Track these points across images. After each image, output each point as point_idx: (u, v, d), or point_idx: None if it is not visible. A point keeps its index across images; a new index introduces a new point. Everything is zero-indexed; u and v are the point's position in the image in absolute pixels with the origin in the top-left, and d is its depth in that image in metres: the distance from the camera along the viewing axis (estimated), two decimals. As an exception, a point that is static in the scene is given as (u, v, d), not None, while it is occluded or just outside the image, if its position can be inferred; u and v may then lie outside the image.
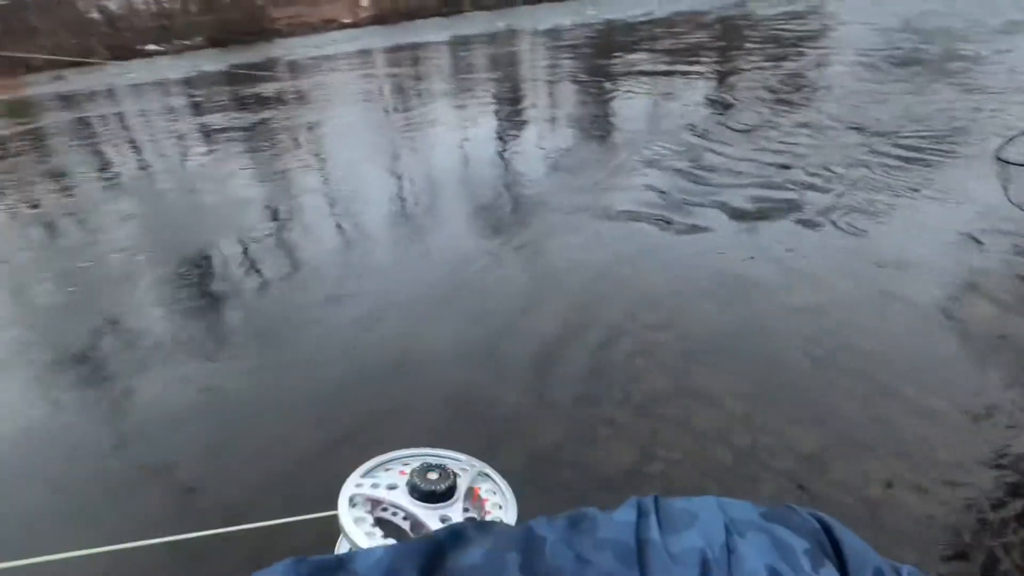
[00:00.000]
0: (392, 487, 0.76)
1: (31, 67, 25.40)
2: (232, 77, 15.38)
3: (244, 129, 8.08)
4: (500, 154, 5.46)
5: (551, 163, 4.98)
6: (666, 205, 3.80)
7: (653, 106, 6.58)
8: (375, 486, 0.76)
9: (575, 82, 8.77)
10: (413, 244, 3.69)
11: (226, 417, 2.30)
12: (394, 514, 0.76)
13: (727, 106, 6.04)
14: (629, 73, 8.59)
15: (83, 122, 10.75)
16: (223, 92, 12.79)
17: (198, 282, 3.54)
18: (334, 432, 2.13)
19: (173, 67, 20.26)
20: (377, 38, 21.77)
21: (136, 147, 8.20)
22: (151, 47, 29.63)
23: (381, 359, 2.56)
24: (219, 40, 29.93)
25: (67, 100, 14.52)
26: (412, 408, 2.24)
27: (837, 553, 0.36)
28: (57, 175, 6.84)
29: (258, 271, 3.61)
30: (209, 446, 2.16)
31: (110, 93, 15.08)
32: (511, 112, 7.30)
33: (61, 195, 5.95)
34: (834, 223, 3.29)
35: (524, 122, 6.70)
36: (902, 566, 0.37)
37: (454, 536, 0.38)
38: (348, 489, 0.76)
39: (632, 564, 0.34)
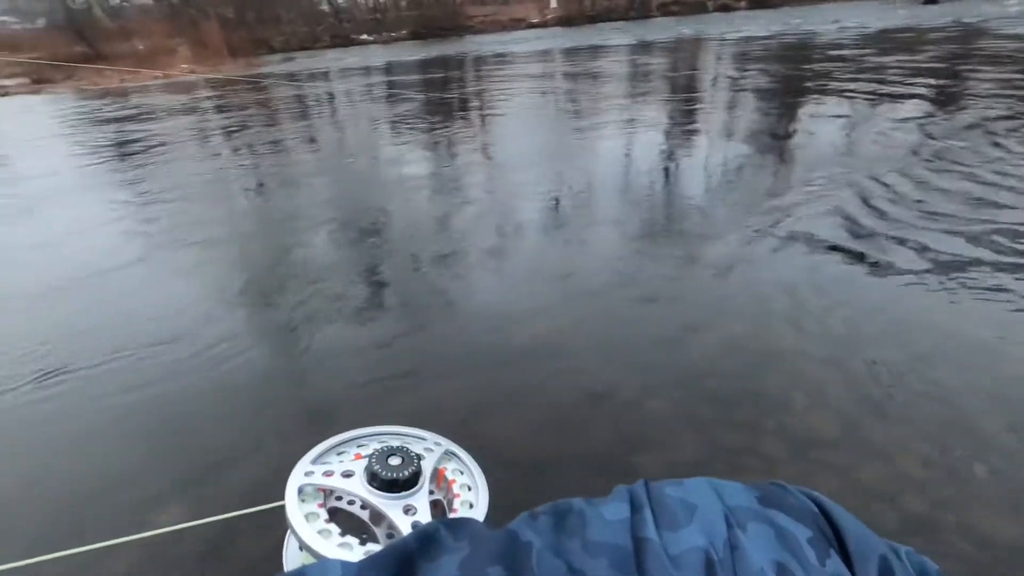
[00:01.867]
0: (348, 474, 0.66)
1: (272, 48, 30.25)
2: (425, 65, 16.84)
3: (423, 117, 8.79)
4: (669, 165, 5.28)
5: (724, 180, 4.70)
6: (856, 236, 3.36)
7: (852, 127, 5.88)
8: (328, 474, 0.66)
9: (760, 95, 8.16)
10: (578, 247, 3.63)
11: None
12: (350, 503, 0.68)
13: (942, 134, 5.18)
14: (826, 90, 7.77)
15: (299, 97, 12.54)
16: (415, 79, 14.04)
17: (377, 242, 3.95)
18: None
19: (379, 55, 22.72)
20: (560, 39, 22.31)
21: (334, 120, 9.36)
22: (364, 37, 33.55)
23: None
24: (420, 34, 32.92)
25: (290, 77, 17.03)
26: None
27: (838, 539, 0.34)
28: (275, 140, 8.06)
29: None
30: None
31: (325, 74, 17.36)
32: (686, 122, 7.02)
33: (272, 155, 7.00)
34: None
35: (699, 133, 6.40)
36: (900, 547, 0.36)
37: (425, 542, 0.34)
38: (297, 478, 0.66)
39: (630, 572, 0.31)
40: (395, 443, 0.70)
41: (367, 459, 0.66)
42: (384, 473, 0.63)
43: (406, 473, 0.64)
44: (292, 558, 0.70)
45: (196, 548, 1.63)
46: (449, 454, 0.74)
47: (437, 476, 0.69)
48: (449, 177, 5.41)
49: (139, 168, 6.73)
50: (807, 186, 4.25)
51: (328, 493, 0.66)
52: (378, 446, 0.70)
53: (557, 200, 4.46)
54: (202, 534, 1.58)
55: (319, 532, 0.59)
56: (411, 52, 22.65)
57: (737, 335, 2.51)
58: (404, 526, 0.61)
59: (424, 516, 0.62)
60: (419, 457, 0.67)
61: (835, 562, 0.33)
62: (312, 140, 7.78)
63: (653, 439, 1.96)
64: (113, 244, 4.29)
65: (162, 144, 8.10)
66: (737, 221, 3.74)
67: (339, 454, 0.72)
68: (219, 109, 11.55)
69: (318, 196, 5.30)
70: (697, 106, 7.91)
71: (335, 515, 0.64)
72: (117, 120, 10.96)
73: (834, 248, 3.24)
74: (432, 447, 0.73)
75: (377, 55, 22.77)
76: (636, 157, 5.59)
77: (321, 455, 0.71)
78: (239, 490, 1.83)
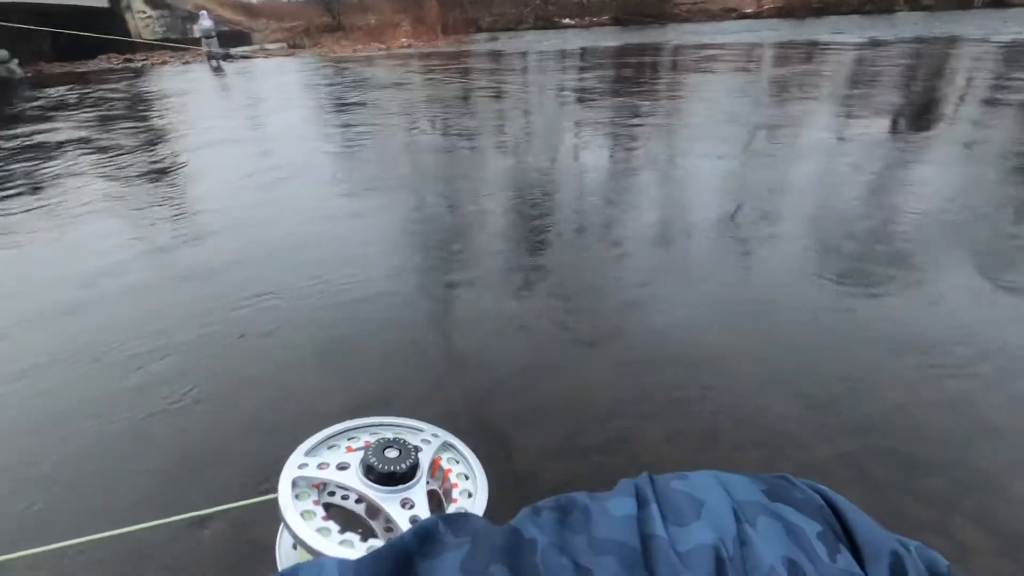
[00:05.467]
0: (343, 467, 0.64)
1: (480, 28, 32.17)
2: (622, 51, 16.56)
3: (608, 107, 8.64)
4: (880, 181, 4.54)
5: (949, 208, 3.91)
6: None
7: None
8: (322, 466, 0.64)
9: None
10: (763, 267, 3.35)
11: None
12: (344, 497, 0.66)
13: None
14: None
15: (496, 70, 13.16)
16: (607, 64, 13.89)
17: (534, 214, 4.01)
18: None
19: (577, 39, 22.90)
20: (775, 31, 20.32)
21: (523, 95, 9.64)
22: (567, 20, 34.04)
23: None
24: (621, 20, 32.44)
25: (493, 55, 17.93)
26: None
27: (847, 533, 0.33)
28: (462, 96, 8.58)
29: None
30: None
31: (523, 55, 17.98)
32: (910, 137, 5.97)
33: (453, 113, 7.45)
34: None
35: (927, 148, 5.39)
36: (910, 542, 0.34)
37: (423, 539, 0.32)
38: (290, 471, 0.64)
39: (639, 570, 0.29)
40: (392, 435, 0.69)
41: (363, 451, 0.64)
42: (381, 466, 0.61)
43: (403, 466, 0.62)
44: (286, 555, 0.68)
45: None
46: (447, 446, 0.72)
47: (434, 468, 0.68)
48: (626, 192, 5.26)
49: (349, 118, 7.66)
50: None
51: (322, 487, 0.65)
52: (374, 438, 0.68)
53: (739, 215, 4.09)
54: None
55: (318, 530, 0.57)
56: (609, 38, 22.42)
57: (952, 393, 2.06)
58: (402, 520, 0.59)
59: (422, 510, 0.60)
60: (416, 449, 0.65)
61: (846, 557, 0.31)
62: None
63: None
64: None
65: (364, 105, 9.09)
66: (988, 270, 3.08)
67: (331, 447, 0.70)
68: (425, 81, 12.60)
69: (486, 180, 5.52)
70: (930, 125, 6.66)
71: (329, 511, 0.62)
72: (342, 78, 12.58)
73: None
74: (430, 439, 0.71)
75: (574, 39, 22.96)
76: (847, 183, 4.89)
77: (315, 447, 0.69)
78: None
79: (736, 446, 1.83)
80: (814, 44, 15.70)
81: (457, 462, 0.70)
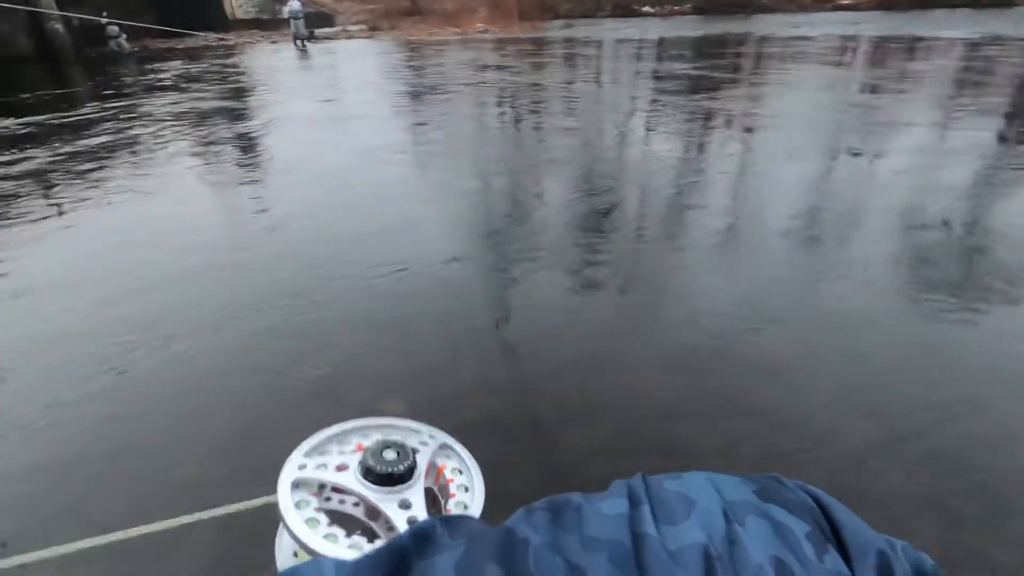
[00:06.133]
0: (342, 468, 0.65)
1: (557, 15, 31.79)
2: (701, 42, 15.96)
3: (678, 93, 8.37)
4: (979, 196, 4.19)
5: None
6: None
7: None
8: (321, 467, 0.65)
9: None
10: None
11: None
12: (341, 502, 0.66)
13: None
14: None
15: (569, 55, 13.01)
16: (684, 56, 13.42)
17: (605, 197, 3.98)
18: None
19: (657, 28, 22.22)
20: (872, 24, 18.93)
21: (581, 83, 9.49)
22: (646, 9, 33.06)
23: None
24: (703, 8, 31.16)
25: (567, 41, 17.72)
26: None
27: (835, 533, 0.34)
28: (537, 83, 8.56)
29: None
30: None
31: (598, 42, 17.66)
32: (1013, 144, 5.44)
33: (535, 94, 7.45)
34: None
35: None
36: (897, 542, 0.35)
37: (420, 540, 0.33)
38: (290, 472, 0.64)
39: (630, 568, 0.30)
40: (391, 436, 0.69)
41: (362, 452, 0.65)
42: (379, 467, 0.62)
43: (401, 467, 0.62)
44: (285, 556, 0.67)
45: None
46: (444, 447, 0.72)
47: (436, 473, 0.68)
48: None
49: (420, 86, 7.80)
50: None
51: (320, 493, 0.65)
52: (370, 440, 0.69)
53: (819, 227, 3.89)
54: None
55: (325, 537, 0.57)
56: (690, 27, 21.62)
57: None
58: (400, 521, 0.59)
59: (420, 510, 0.61)
60: (414, 451, 0.66)
61: (833, 557, 0.32)
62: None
63: (879, 514, 1.63)
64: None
65: (441, 83, 9.22)
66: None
67: (323, 453, 0.69)
68: (497, 66, 12.64)
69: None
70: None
71: (330, 516, 0.61)
72: (412, 58, 12.83)
73: None
74: (427, 440, 0.72)
75: (654, 28, 22.28)
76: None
77: (314, 448, 0.69)
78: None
79: None
80: (917, 40, 14.52)
81: (457, 468, 0.70)
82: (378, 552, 0.33)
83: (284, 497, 0.61)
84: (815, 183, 4.43)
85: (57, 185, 4.76)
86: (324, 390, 2.14)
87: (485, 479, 0.68)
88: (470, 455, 0.72)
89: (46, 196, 4.52)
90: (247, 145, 6.06)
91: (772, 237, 3.45)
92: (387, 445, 0.65)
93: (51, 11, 16.46)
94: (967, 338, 2.43)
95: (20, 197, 4.47)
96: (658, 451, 1.84)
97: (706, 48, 14.78)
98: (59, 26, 16.74)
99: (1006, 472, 1.74)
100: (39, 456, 1.87)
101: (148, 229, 3.77)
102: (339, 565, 0.33)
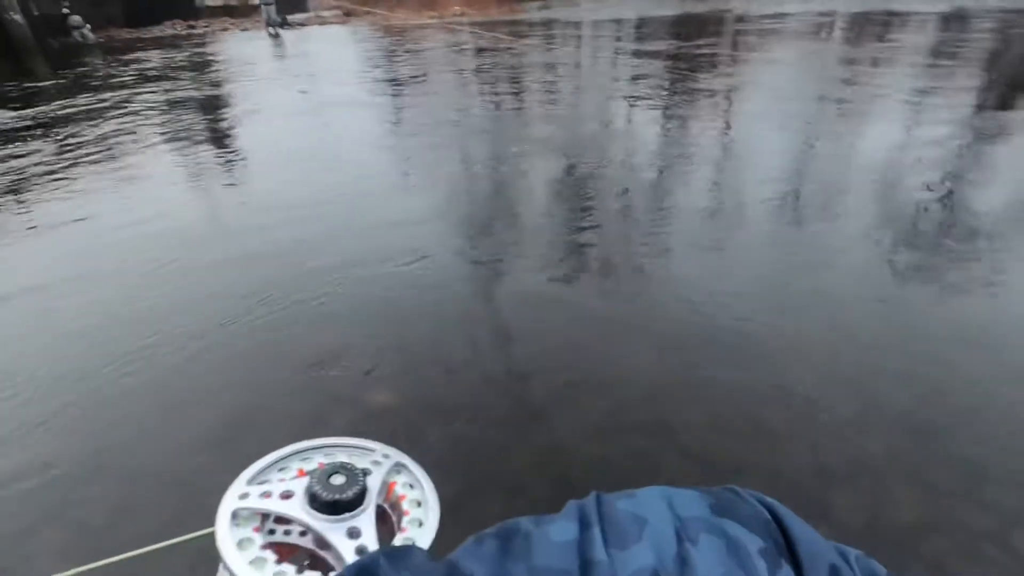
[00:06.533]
0: (287, 495, 0.60)
1: (533, -4, 31.23)
2: (676, 23, 15.89)
3: (653, 75, 8.34)
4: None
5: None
6: None
7: None
8: (265, 495, 0.61)
9: None
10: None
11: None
12: (287, 532, 0.62)
13: None
14: None
15: (544, 36, 12.89)
16: (654, 35, 13.37)
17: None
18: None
19: (635, 7, 22.03)
20: (843, 1, 18.95)
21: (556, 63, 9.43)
22: (623, -12, 32.61)
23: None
24: (681, -13, 30.81)
25: (544, 24, 17.52)
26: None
27: (789, 547, 0.33)
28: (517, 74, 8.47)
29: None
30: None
31: (577, 23, 17.49)
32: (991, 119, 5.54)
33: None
34: None
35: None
36: (850, 551, 0.35)
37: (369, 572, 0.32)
38: (230, 501, 0.60)
39: None
40: (339, 458, 0.66)
41: (308, 478, 0.61)
42: (325, 494, 0.58)
43: (350, 493, 0.59)
44: None
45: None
46: (399, 467, 0.69)
47: (387, 490, 0.65)
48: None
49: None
50: None
51: (264, 519, 0.61)
52: (318, 463, 0.66)
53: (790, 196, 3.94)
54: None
55: (251, 562, 0.53)
56: (667, 6, 21.48)
57: None
58: (348, 553, 0.55)
59: (370, 539, 0.57)
60: (365, 473, 0.63)
61: (786, 572, 0.32)
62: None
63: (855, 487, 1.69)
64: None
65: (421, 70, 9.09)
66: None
67: (276, 472, 0.66)
68: (477, 49, 12.48)
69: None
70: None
71: (272, 549, 0.57)
72: (390, 43, 12.61)
73: None
74: (380, 459, 0.68)
75: (631, 7, 22.10)
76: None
77: (258, 473, 0.65)
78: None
79: None
80: (891, 14, 14.60)
81: (411, 486, 0.67)
82: None
83: (221, 524, 0.57)
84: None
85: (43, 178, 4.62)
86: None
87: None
88: (425, 474, 0.69)
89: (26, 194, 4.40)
90: (220, 137, 5.93)
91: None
92: (335, 470, 0.61)
93: (9, 1, 15.82)
94: None
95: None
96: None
97: (684, 28, 14.73)
98: (18, 16, 16.10)
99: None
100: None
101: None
102: None
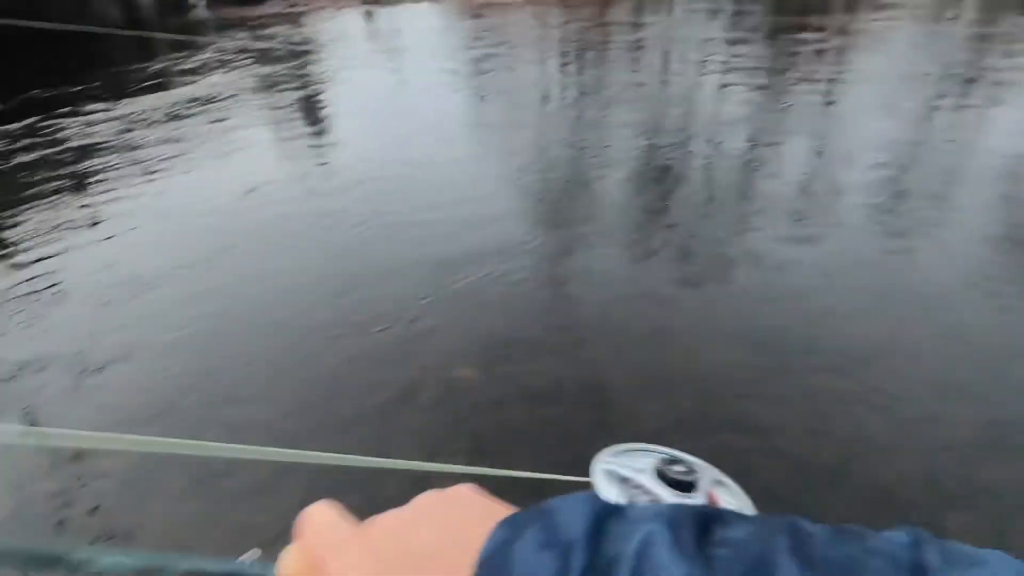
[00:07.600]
0: (639, 470, 0.81)
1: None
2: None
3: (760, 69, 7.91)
4: None
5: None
6: None
7: None
8: (626, 467, 0.82)
9: None
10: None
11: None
12: (636, 496, 0.80)
13: None
14: None
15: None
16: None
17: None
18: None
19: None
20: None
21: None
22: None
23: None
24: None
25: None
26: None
27: None
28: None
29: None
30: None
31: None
32: None
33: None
34: None
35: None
36: None
37: (717, 513, 0.33)
38: (601, 463, 0.83)
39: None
40: (678, 456, 0.85)
41: (658, 461, 0.82)
42: (670, 473, 0.78)
43: (689, 478, 0.78)
44: None
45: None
46: (718, 482, 0.84)
47: (710, 499, 0.80)
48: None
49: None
50: None
51: (623, 482, 0.81)
52: (659, 457, 0.84)
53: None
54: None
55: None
56: None
57: None
58: None
59: None
60: (696, 471, 0.81)
61: None
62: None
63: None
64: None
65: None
66: None
67: (626, 456, 0.86)
68: (564, 36, 12.33)
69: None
70: None
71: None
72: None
73: None
74: (700, 469, 0.84)
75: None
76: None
77: (617, 453, 0.88)
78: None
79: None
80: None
81: (730, 500, 0.82)
82: (685, 507, 0.34)
83: (597, 476, 0.80)
84: None
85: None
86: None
87: None
88: (742, 491, 0.85)
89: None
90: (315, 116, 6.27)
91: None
92: (675, 460, 0.82)
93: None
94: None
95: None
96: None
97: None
98: (144, -4, 17.51)
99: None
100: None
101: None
102: (657, 504, 0.33)
